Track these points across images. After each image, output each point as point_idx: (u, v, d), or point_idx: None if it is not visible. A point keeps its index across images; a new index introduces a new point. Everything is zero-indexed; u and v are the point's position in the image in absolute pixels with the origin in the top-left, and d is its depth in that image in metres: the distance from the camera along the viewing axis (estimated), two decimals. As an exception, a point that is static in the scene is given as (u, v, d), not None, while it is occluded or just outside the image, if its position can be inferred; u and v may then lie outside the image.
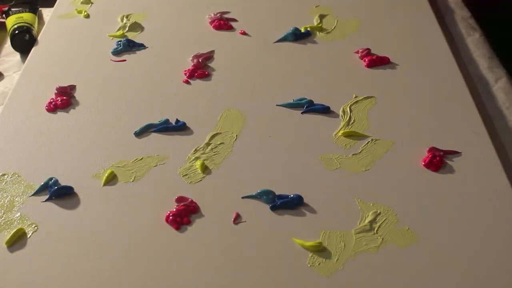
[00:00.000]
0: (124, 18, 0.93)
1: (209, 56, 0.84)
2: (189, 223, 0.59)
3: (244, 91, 0.77)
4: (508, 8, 1.24)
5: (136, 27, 0.91)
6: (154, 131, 0.71)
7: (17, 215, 0.61)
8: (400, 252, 0.56)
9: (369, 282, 0.53)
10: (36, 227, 0.59)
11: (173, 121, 0.72)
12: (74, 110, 0.75)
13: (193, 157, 0.67)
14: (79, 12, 0.95)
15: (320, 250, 0.56)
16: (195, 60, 0.82)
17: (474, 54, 0.89)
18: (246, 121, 0.72)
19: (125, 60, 0.84)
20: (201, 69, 0.81)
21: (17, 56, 0.91)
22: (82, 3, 0.97)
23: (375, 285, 0.53)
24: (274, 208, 0.60)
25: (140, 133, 0.71)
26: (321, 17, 0.92)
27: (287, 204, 0.61)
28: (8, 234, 0.58)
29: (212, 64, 0.83)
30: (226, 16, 0.93)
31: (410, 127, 0.70)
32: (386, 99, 0.75)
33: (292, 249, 0.56)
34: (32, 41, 0.89)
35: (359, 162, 0.66)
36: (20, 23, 0.92)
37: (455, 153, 0.67)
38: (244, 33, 0.89)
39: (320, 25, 0.90)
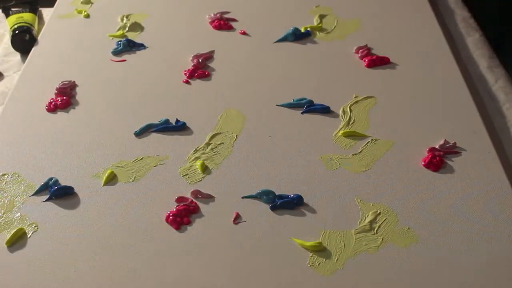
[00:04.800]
0: (124, 18, 0.93)
1: (209, 56, 0.84)
2: (189, 223, 0.59)
3: (244, 91, 0.77)
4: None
5: (136, 27, 0.91)
6: (154, 131, 0.71)
7: (17, 215, 0.61)
8: (400, 252, 0.56)
9: (369, 282, 0.53)
10: (36, 227, 0.59)
11: (173, 121, 0.72)
12: (74, 110, 0.75)
13: (193, 157, 0.67)
14: (79, 12, 0.95)
15: (320, 250, 0.56)
16: (195, 60, 0.82)
17: (474, 54, 0.89)
18: (246, 121, 0.72)
19: (125, 60, 0.84)
20: (201, 69, 0.81)
21: (17, 56, 0.91)
22: (82, 3, 0.97)
23: (375, 285, 0.53)
24: (274, 208, 0.60)
25: (140, 133, 0.71)
26: (321, 17, 0.92)
27: (287, 204, 0.61)
28: (8, 234, 0.58)
29: (212, 64, 0.83)
30: (226, 16, 0.93)
31: (410, 127, 0.70)
32: (386, 99, 0.75)
33: (292, 249, 0.56)
34: (32, 41, 0.89)
35: (359, 162, 0.66)
36: (20, 23, 0.92)
37: (455, 153, 0.67)
38: (244, 33, 0.89)
39: (320, 25, 0.90)
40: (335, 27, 0.90)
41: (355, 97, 0.75)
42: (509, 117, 0.76)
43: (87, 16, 0.94)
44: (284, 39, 0.87)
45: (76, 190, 0.63)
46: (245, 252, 0.56)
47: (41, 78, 0.80)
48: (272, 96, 0.76)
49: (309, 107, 0.73)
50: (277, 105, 0.74)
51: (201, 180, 0.64)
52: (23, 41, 0.90)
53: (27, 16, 0.94)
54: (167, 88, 0.78)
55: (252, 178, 0.64)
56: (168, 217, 0.60)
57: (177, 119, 0.72)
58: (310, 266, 0.55)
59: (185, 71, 0.81)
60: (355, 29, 0.89)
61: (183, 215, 0.60)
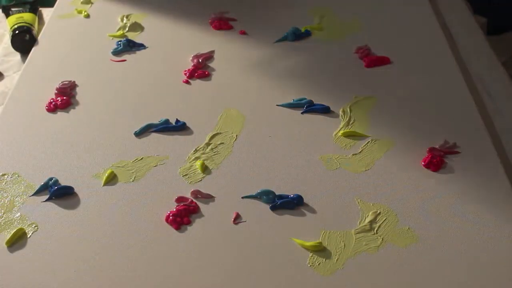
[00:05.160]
0: (124, 18, 0.93)
1: (209, 56, 0.84)
2: (189, 223, 0.59)
3: (244, 91, 0.77)
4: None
5: (136, 27, 0.91)
6: (154, 131, 0.71)
7: (17, 215, 0.61)
8: (400, 252, 0.56)
9: (369, 282, 0.53)
10: (36, 227, 0.59)
11: (173, 121, 0.72)
12: (74, 110, 0.75)
13: (193, 157, 0.67)
14: (79, 12, 0.95)
15: (320, 250, 0.56)
16: (195, 60, 0.82)
17: (474, 54, 0.89)
18: (246, 121, 0.72)
19: (125, 60, 0.84)
20: (201, 69, 0.81)
21: (17, 56, 0.91)
22: (82, 3, 0.97)
23: (375, 285, 0.53)
24: (274, 208, 0.60)
25: (140, 133, 0.71)
26: (321, 17, 0.92)
27: (287, 204, 0.61)
28: (8, 234, 0.58)
29: (212, 64, 0.83)
30: (226, 16, 0.93)
31: (410, 127, 0.70)
32: (386, 99, 0.75)
33: (292, 249, 0.56)
34: (32, 41, 0.89)
35: (359, 162, 0.66)
36: (20, 23, 0.92)
37: (455, 153, 0.67)
38: (244, 33, 0.89)
39: (320, 25, 0.90)
40: (335, 27, 0.90)
41: (355, 97, 0.75)
42: (509, 117, 0.76)
43: (87, 16, 0.94)
44: (284, 39, 0.87)
45: (76, 190, 0.63)
46: (245, 252, 0.56)
47: (41, 78, 0.80)
48: (272, 96, 0.76)
49: (309, 107, 0.73)
50: (277, 105, 0.74)
51: (201, 180, 0.64)
52: (23, 41, 0.90)
53: (27, 16, 0.94)
54: (167, 88, 0.78)
55: (252, 178, 0.64)
56: (168, 217, 0.60)
57: (177, 119, 0.72)
58: (310, 266, 0.55)
59: (185, 71, 0.81)
60: (355, 29, 0.89)
61: (183, 215, 0.60)
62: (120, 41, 0.87)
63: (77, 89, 0.78)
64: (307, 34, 0.88)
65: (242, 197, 0.62)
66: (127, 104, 0.75)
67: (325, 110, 0.73)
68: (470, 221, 0.59)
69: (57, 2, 0.99)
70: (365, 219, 0.59)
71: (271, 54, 0.85)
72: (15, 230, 0.58)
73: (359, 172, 0.65)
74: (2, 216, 0.60)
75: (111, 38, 0.88)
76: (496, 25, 1.22)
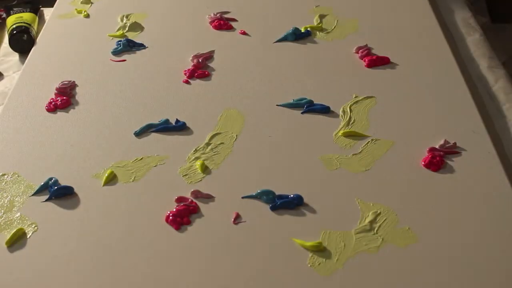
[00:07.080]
0: (124, 18, 0.93)
1: (209, 56, 0.84)
2: (189, 223, 0.59)
3: (244, 91, 0.77)
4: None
5: (136, 27, 0.91)
6: (154, 131, 0.71)
7: (17, 215, 0.61)
8: (400, 252, 0.56)
9: (369, 282, 0.53)
10: (36, 227, 0.59)
11: (173, 121, 0.72)
12: (74, 110, 0.75)
13: (193, 157, 0.67)
14: (79, 12, 0.95)
15: (320, 250, 0.56)
16: (195, 60, 0.82)
17: (474, 54, 0.89)
18: (246, 121, 0.72)
19: (125, 60, 0.84)
20: (201, 69, 0.81)
21: (16, 56, 0.91)
22: (82, 3, 0.97)
23: (375, 285, 0.53)
24: (274, 208, 0.60)
25: (140, 133, 0.71)
26: (321, 17, 0.92)
27: (287, 204, 0.60)
28: (8, 234, 0.58)
29: (212, 64, 0.83)
30: (226, 16, 0.93)
31: (410, 127, 0.70)
32: (386, 99, 0.75)
33: (292, 249, 0.56)
34: (30, 41, 0.89)
35: (359, 162, 0.66)
36: (19, 23, 0.91)
37: (455, 153, 0.67)
38: (244, 33, 0.89)
39: (320, 25, 0.90)
40: (335, 27, 0.90)
41: (355, 97, 0.75)
42: (509, 117, 0.76)
43: (87, 16, 0.94)
44: (284, 39, 0.87)
45: (76, 190, 0.63)
46: (245, 252, 0.56)
47: (41, 78, 0.80)
48: (272, 96, 0.76)
49: (309, 107, 0.73)
50: (277, 105, 0.74)
51: (201, 180, 0.64)
52: (21, 41, 0.90)
53: (26, 16, 0.94)
54: (167, 88, 0.78)
55: (252, 178, 0.64)
56: (168, 217, 0.60)
57: (177, 119, 0.72)
58: (310, 266, 0.55)
59: (185, 71, 0.81)
60: (355, 29, 0.89)
61: (183, 215, 0.60)
62: (120, 41, 0.87)
63: (77, 89, 0.78)
64: (307, 34, 0.88)
65: (242, 197, 0.62)
66: (127, 104, 0.75)
67: (325, 110, 0.73)
68: (470, 221, 0.58)
69: (57, 2, 0.99)
70: (365, 219, 0.59)
71: (271, 54, 0.85)
72: (15, 230, 0.58)
73: (359, 172, 0.64)
74: (2, 216, 0.60)
75: (111, 38, 0.88)
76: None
